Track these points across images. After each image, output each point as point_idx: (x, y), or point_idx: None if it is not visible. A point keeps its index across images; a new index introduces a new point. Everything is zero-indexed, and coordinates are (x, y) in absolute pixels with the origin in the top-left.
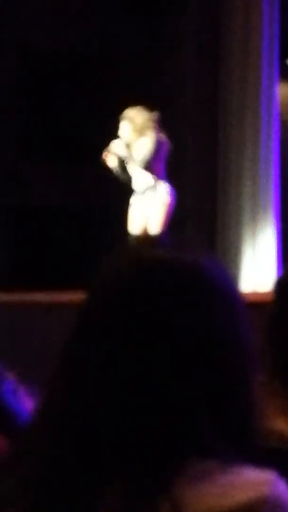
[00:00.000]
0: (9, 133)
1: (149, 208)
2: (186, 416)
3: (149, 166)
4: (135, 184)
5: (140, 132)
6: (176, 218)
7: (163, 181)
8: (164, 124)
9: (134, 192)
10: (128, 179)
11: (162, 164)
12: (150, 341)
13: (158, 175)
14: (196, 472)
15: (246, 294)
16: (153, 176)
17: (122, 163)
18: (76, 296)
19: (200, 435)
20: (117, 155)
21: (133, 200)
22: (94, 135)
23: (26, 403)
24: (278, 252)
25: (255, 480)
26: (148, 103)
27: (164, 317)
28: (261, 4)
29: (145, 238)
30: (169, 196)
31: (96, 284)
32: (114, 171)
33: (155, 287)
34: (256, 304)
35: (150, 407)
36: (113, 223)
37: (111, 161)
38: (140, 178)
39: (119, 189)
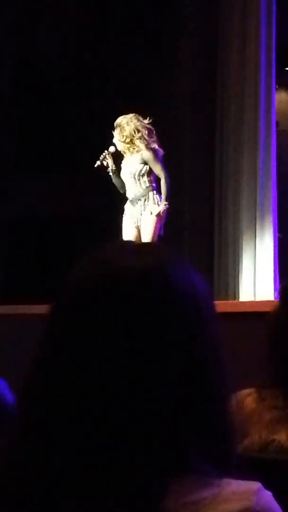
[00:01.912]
0: (2, 144)
1: (140, 217)
2: (167, 431)
3: (141, 176)
4: (127, 192)
5: (129, 142)
6: (174, 229)
7: (155, 191)
8: (161, 135)
9: (126, 200)
10: (122, 186)
11: (153, 175)
12: (118, 352)
13: (150, 185)
14: (183, 487)
15: (246, 304)
16: (145, 186)
17: (115, 170)
18: None
19: (184, 452)
20: (111, 161)
21: (126, 207)
22: (89, 146)
23: None
24: (275, 262)
25: (240, 491)
26: (144, 114)
27: (130, 327)
28: (259, 13)
29: (117, 245)
30: (160, 206)
31: (64, 290)
32: (110, 173)
33: (121, 295)
34: (255, 314)
35: (130, 423)
36: (108, 233)
37: (107, 164)
38: (132, 187)
39: (114, 198)
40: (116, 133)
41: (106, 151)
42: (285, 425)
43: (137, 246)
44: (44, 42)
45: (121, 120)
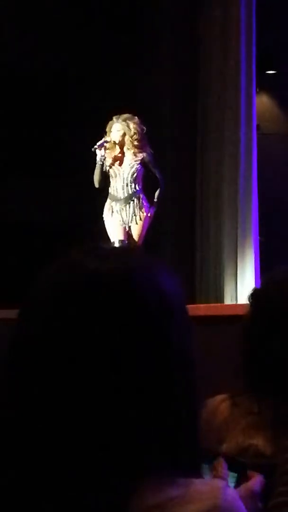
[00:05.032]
0: None
1: (131, 218)
2: (132, 433)
3: (137, 178)
4: (118, 191)
5: (138, 140)
6: (155, 236)
7: (142, 194)
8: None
9: (110, 201)
10: (101, 180)
11: (142, 179)
12: (79, 356)
13: (140, 188)
14: (150, 489)
15: (226, 307)
16: (138, 187)
17: (102, 166)
18: None
19: (149, 454)
20: (108, 152)
21: (111, 205)
22: (72, 153)
23: None
24: (257, 265)
25: (207, 489)
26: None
27: (96, 330)
28: (239, 17)
29: (85, 249)
30: (147, 209)
31: (31, 294)
32: (100, 162)
33: (85, 299)
34: (237, 317)
35: (94, 426)
36: (93, 238)
37: (103, 152)
38: (126, 187)
39: (97, 205)
40: (121, 126)
41: (105, 139)
42: (261, 430)
43: (105, 249)
44: (26, 48)
45: (129, 116)
